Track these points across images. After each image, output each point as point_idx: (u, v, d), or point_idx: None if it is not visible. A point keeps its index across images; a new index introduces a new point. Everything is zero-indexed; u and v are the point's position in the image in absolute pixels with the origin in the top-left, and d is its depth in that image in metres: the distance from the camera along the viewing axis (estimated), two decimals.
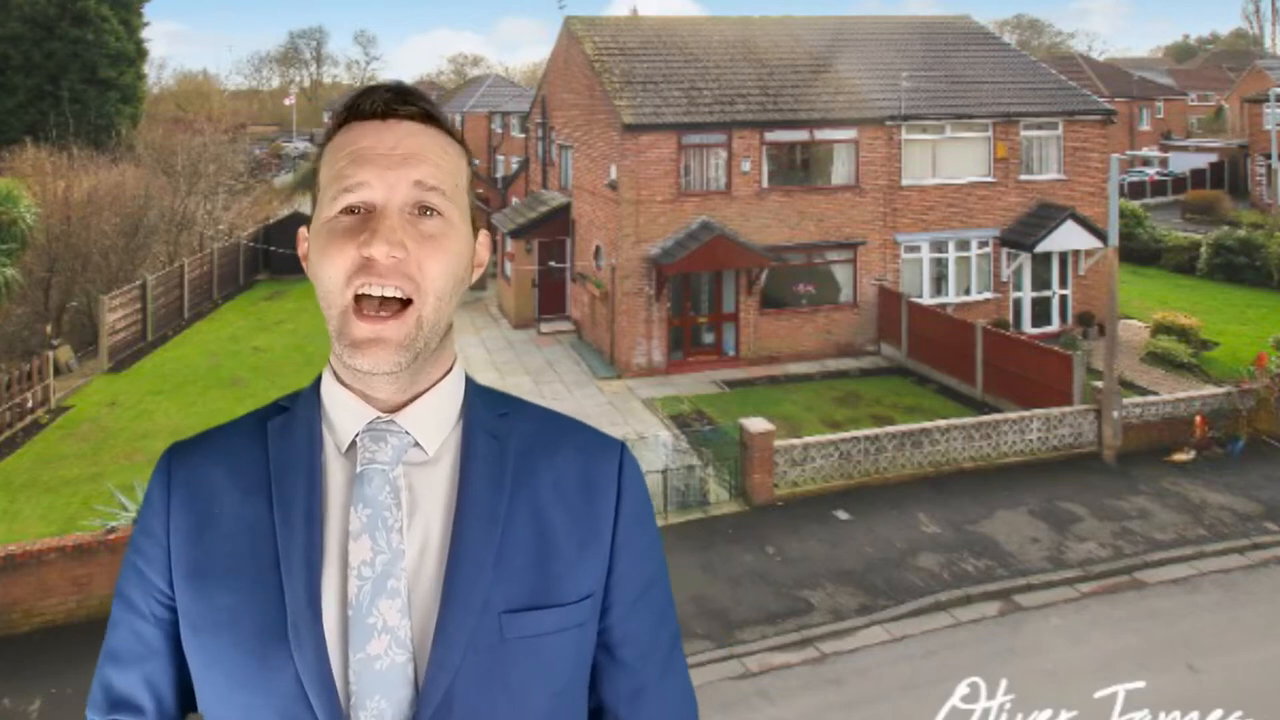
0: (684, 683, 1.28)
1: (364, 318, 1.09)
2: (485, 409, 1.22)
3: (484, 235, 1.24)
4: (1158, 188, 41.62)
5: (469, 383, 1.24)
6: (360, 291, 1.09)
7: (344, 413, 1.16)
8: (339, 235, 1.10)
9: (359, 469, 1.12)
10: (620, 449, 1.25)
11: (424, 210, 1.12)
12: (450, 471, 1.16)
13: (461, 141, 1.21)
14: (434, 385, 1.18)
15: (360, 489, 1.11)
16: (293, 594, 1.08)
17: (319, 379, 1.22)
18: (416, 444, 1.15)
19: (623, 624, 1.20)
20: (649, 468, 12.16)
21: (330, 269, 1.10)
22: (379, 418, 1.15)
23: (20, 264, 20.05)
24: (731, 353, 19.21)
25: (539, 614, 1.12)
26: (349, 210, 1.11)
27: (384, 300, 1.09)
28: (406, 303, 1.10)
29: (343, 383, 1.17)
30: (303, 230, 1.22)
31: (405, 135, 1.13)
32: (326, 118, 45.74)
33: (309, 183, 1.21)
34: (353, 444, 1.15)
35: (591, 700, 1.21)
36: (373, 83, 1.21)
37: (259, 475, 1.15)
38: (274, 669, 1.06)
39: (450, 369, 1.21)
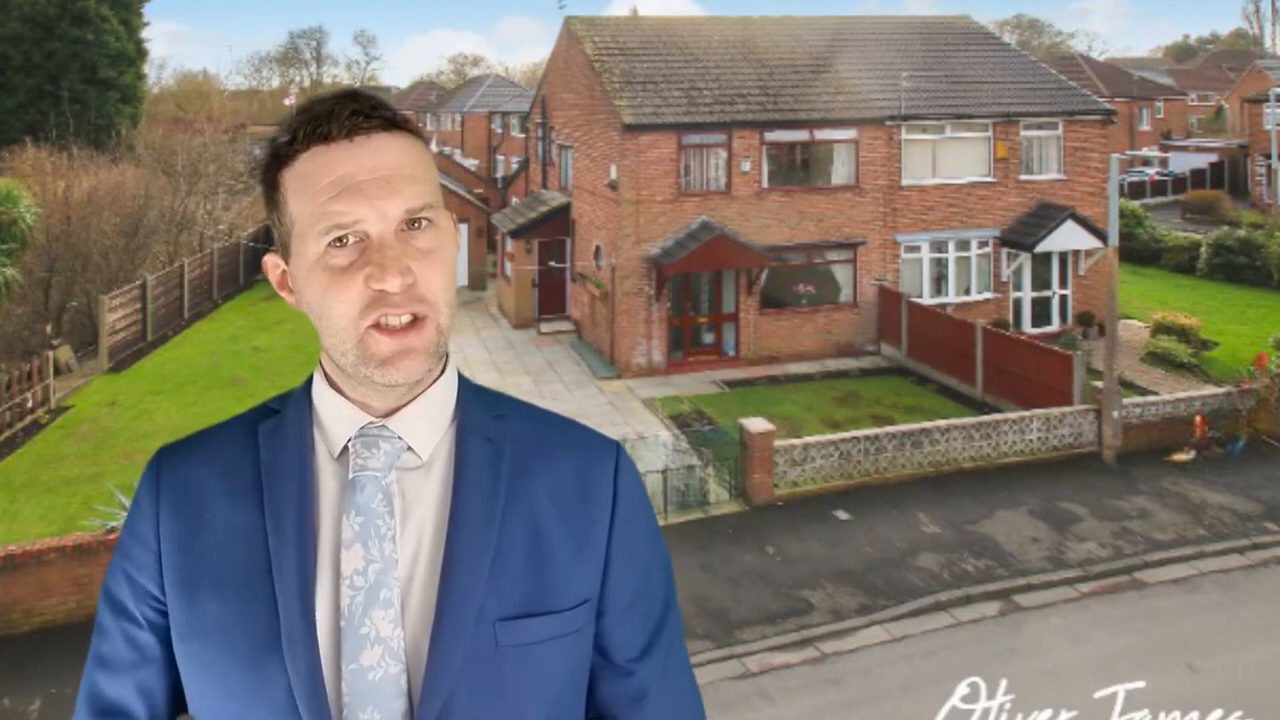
0: (686, 683, 1.25)
1: (386, 333, 1.07)
2: (480, 411, 1.20)
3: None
4: (1158, 188, 41.61)
5: (463, 383, 1.22)
6: (377, 321, 1.07)
7: (336, 418, 1.14)
8: (340, 272, 1.07)
9: (351, 475, 1.11)
10: (616, 450, 1.22)
11: (413, 222, 1.09)
12: (444, 476, 1.14)
13: (415, 129, 1.15)
14: (427, 389, 1.16)
15: (352, 496, 1.09)
16: (286, 604, 1.06)
17: (309, 381, 1.20)
18: (410, 449, 1.13)
19: (618, 628, 1.18)
20: (649, 468, 12.16)
21: (340, 306, 1.07)
22: (371, 423, 1.13)
23: (20, 264, 20.03)
24: (731, 353, 19.20)
25: (534, 621, 1.10)
26: (338, 241, 1.07)
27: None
28: (419, 316, 1.09)
29: (335, 387, 1.15)
30: (271, 258, 1.17)
31: (377, 153, 1.08)
32: None
33: (268, 200, 1.14)
34: (344, 449, 1.13)
35: (591, 705, 1.19)
36: (320, 97, 1.13)
37: (250, 480, 1.13)
38: (266, 679, 1.04)
39: (443, 371, 1.19)
